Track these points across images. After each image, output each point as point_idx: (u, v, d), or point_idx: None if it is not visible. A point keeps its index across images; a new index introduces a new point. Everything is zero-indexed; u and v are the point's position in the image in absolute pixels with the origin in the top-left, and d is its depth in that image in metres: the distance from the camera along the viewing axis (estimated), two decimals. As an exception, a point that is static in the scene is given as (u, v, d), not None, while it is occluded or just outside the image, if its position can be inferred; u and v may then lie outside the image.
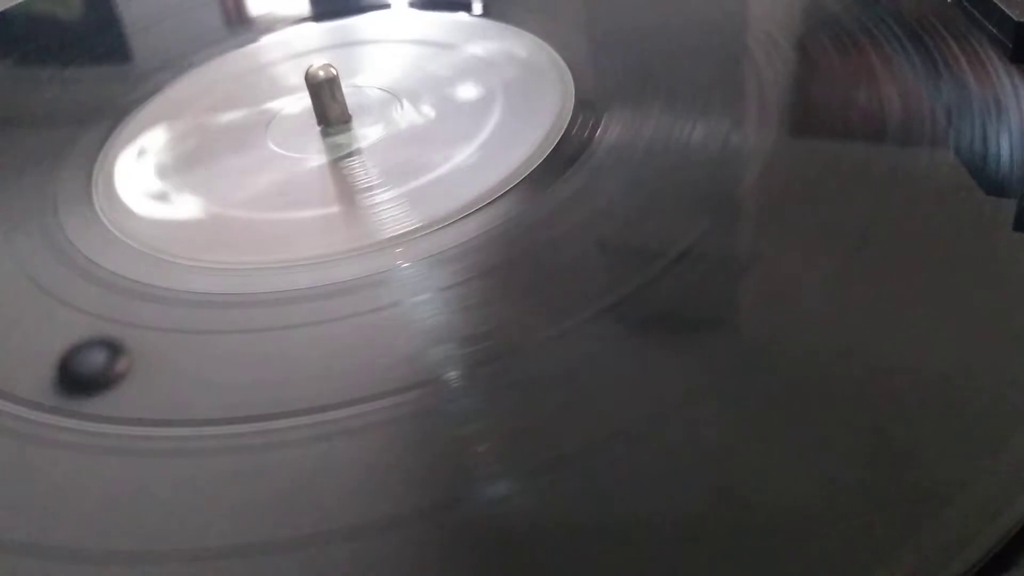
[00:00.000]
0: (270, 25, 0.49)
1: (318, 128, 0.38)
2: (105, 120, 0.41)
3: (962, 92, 0.31)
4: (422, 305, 0.27)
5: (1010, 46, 0.32)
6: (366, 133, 0.37)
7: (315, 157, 0.36)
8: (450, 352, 0.25)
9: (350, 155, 0.36)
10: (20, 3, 0.57)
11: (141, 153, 0.39)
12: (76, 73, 0.48)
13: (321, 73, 0.37)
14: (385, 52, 0.44)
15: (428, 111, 0.38)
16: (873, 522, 0.18)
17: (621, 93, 0.36)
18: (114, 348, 0.27)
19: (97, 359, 0.27)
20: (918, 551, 0.17)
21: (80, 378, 0.27)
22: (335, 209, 0.33)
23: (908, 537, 0.17)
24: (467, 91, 0.39)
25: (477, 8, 0.46)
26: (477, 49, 0.42)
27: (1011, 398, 0.20)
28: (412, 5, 0.48)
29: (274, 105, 0.40)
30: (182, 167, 0.37)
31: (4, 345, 0.28)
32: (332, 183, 0.35)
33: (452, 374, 0.24)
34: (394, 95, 0.39)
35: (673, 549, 0.18)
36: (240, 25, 0.51)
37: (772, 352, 0.23)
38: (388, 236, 0.30)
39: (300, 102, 0.39)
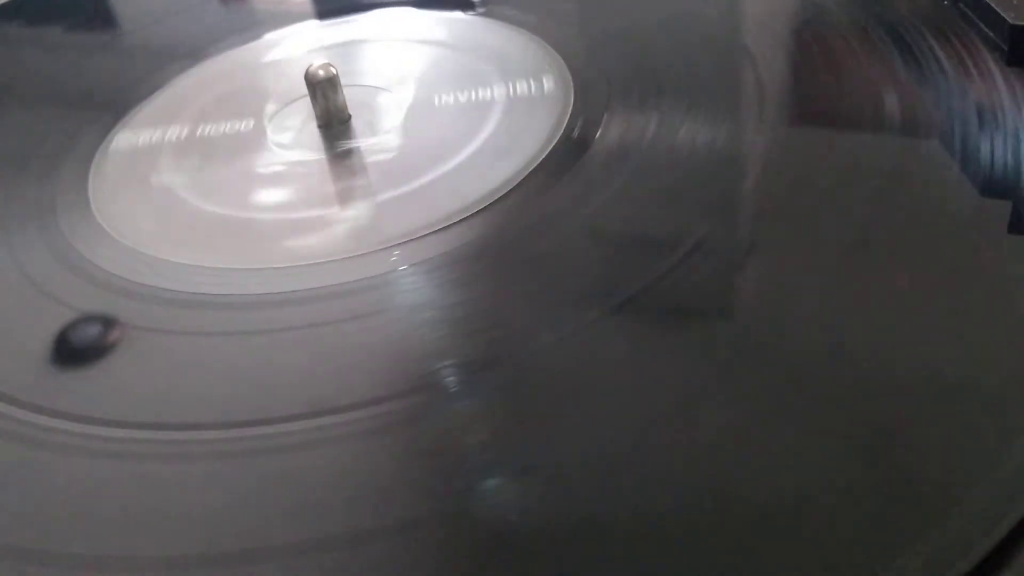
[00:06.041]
0: (271, 23, 0.49)
1: (318, 127, 0.38)
2: (104, 117, 0.41)
3: (958, 94, 0.31)
4: (421, 307, 0.27)
5: (1005, 48, 0.32)
6: (366, 133, 0.37)
7: (314, 157, 0.36)
8: (449, 356, 0.25)
9: (349, 155, 0.36)
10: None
11: (139, 151, 0.39)
12: (76, 69, 0.48)
13: (321, 72, 0.37)
14: (386, 51, 0.44)
15: (428, 111, 0.38)
16: (875, 524, 0.18)
17: (621, 93, 0.36)
18: (109, 348, 0.27)
19: (92, 359, 0.27)
20: (920, 553, 0.17)
21: (75, 378, 0.27)
22: (334, 210, 0.33)
23: (910, 539, 0.18)
24: (467, 91, 0.39)
25: (477, 7, 0.46)
26: (477, 48, 0.42)
27: (1012, 399, 0.20)
28: (414, 4, 0.48)
29: (274, 104, 0.40)
30: (180, 165, 0.37)
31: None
32: (331, 183, 0.35)
33: (451, 378, 0.24)
34: (394, 95, 0.39)
35: (674, 549, 0.18)
36: (242, 23, 0.51)
37: (773, 354, 0.23)
38: (387, 237, 0.30)
39: (300, 101, 0.39)
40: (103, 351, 0.27)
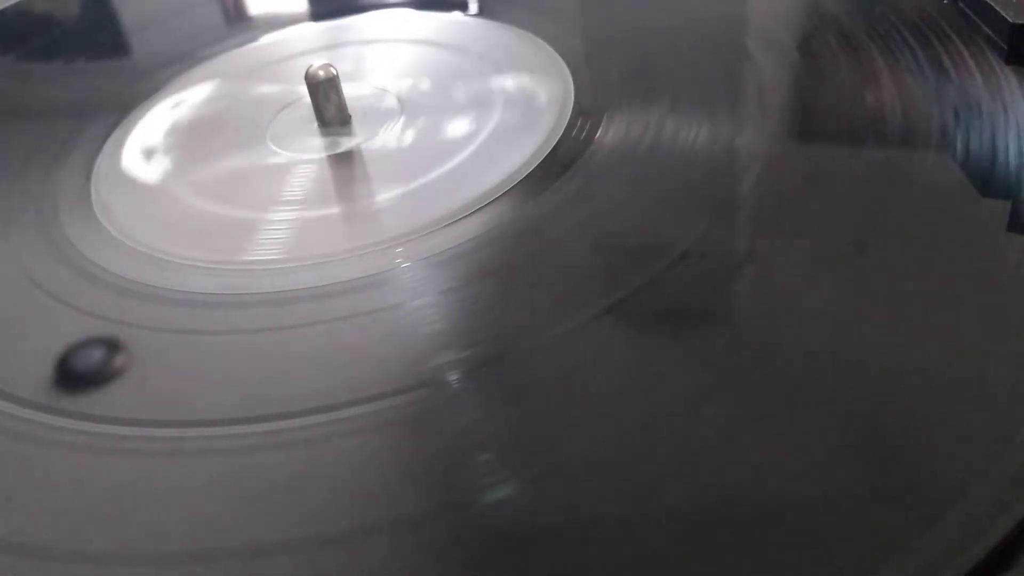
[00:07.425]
0: (271, 24, 0.49)
1: (318, 128, 0.38)
2: (105, 119, 0.42)
3: (958, 93, 0.31)
4: (422, 306, 0.27)
5: (1005, 47, 0.32)
6: (366, 133, 0.37)
7: (315, 157, 0.36)
8: (450, 353, 0.25)
9: (350, 155, 0.36)
10: (20, 1, 0.57)
11: (140, 152, 0.39)
12: (76, 72, 0.48)
13: (321, 73, 0.37)
14: (385, 52, 0.44)
15: (428, 111, 0.38)
16: (874, 523, 0.18)
17: (621, 94, 0.36)
18: (112, 348, 0.28)
19: (95, 359, 0.27)
20: (919, 552, 0.17)
21: (78, 378, 0.27)
22: (335, 209, 0.33)
23: (909, 538, 0.18)
24: (467, 91, 0.39)
25: (477, 8, 0.47)
26: (477, 49, 0.42)
27: (1010, 399, 0.20)
28: (414, 5, 0.48)
29: (274, 104, 0.40)
30: (181, 166, 0.37)
31: (1, 345, 0.28)
32: (332, 183, 0.35)
33: (452, 375, 0.24)
34: (394, 95, 0.39)
35: (672, 550, 0.18)
36: (241, 24, 0.51)
37: (771, 354, 0.23)
38: (388, 236, 0.30)
39: (300, 102, 0.39)
40: (106, 354, 0.28)
